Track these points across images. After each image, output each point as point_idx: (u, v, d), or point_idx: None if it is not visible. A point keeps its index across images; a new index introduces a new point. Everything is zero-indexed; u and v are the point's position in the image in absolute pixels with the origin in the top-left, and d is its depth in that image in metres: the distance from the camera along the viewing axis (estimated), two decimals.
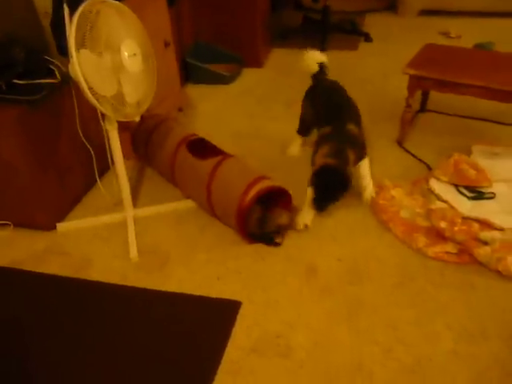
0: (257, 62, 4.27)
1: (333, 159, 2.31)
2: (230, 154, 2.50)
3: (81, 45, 1.91)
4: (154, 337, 1.96)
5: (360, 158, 2.47)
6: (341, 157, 2.32)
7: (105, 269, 2.29)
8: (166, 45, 3.20)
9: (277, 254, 2.32)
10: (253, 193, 2.22)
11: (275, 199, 2.40)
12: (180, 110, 3.59)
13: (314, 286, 2.15)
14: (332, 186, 2.33)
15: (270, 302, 2.08)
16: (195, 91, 3.93)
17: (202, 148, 2.57)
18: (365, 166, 2.54)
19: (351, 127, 2.43)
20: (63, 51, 2.21)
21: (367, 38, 4.78)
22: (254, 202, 2.22)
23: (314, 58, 2.82)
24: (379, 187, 2.60)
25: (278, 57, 4.53)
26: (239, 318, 2.02)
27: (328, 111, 2.58)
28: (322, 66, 2.81)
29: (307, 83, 2.81)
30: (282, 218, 2.36)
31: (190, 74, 4.05)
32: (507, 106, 2.74)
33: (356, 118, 2.53)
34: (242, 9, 4.03)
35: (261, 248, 2.36)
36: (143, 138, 2.79)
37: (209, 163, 2.42)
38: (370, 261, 2.25)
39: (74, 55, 1.89)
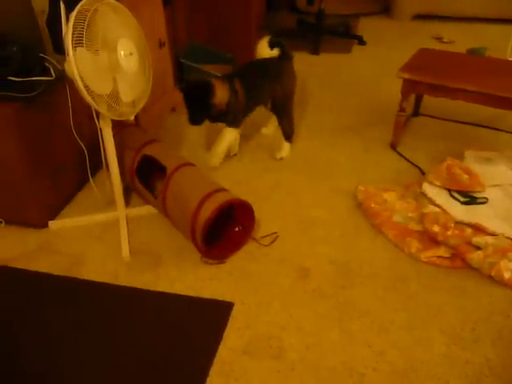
0: None
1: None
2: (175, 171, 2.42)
3: (77, 43, 1.90)
4: (145, 337, 1.95)
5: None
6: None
7: (96, 268, 2.28)
8: (161, 45, 3.19)
9: (269, 256, 2.32)
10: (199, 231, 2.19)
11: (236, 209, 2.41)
12: (173, 109, 3.59)
13: (306, 289, 2.15)
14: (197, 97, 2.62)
15: (262, 304, 2.08)
16: None
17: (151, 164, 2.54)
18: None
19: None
20: (59, 49, 2.20)
21: (361, 42, 4.80)
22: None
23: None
24: (370, 192, 2.60)
25: None
26: (231, 319, 2.01)
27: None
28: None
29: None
30: None
31: (184, 74, 4.03)
32: (499, 111, 2.75)
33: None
34: (237, 10, 4.02)
35: (253, 249, 2.35)
36: None
37: (159, 199, 2.41)
38: (362, 264, 2.26)
39: (71, 53, 1.88)
